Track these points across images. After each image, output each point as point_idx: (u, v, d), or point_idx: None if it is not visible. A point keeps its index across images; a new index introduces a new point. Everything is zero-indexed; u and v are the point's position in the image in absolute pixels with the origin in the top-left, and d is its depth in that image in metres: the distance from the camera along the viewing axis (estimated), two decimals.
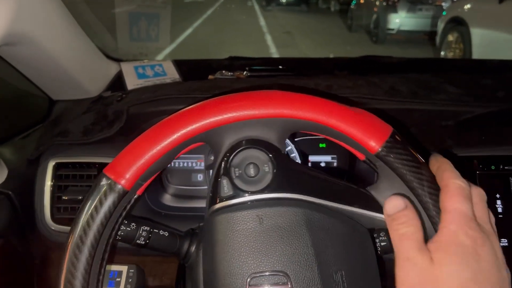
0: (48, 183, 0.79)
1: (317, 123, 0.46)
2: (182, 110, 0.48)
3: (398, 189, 0.46)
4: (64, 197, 0.78)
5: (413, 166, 0.44)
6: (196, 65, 1.21)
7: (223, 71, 1.11)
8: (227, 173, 0.48)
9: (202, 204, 0.91)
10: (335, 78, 0.98)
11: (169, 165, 0.96)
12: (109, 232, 0.48)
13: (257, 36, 8.14)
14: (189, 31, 8.35)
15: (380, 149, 0.45)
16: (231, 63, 1.21)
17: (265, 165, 0.48)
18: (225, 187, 0.47)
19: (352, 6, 9.30)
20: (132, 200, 0.49)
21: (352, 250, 0.47)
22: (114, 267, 0.77)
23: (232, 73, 1.10)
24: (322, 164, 0.98)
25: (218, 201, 0.47)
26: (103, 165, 0.74)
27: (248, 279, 0.44)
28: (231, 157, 0.48)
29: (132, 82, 1.06)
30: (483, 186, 0.77)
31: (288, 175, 0.48)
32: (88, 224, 0.46)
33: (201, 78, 1.07)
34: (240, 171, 0.48)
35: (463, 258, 0.37)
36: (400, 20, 6.97)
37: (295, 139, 0.96)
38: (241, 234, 0.45)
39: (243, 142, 0.48)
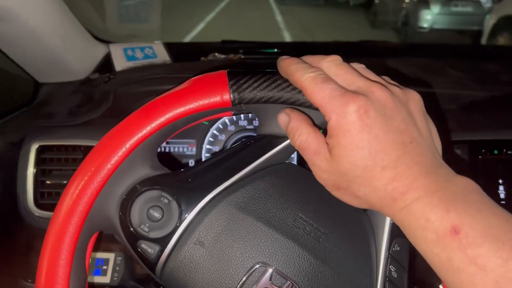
0: (31, 167, 0.75)
1: (165, 127, 0.42)
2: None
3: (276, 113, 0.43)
4: (48, 182, 0.74)
5: (267, 84, 0.41)
6: (187, 48, 1.17)
7: (216, 54, 1.07)
8: (139, 237, 0.43)
9: None
10: None
11: (158, 150, 0.93)
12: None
13: (274, 34, 7.63)
14: (201, 26, 8.02)
15: (231, 97, 0.41)
16: (224, 46, 1.18)
17: (162, 198, 0.43)
18: (148, 249, 0.42)
19: (376, 1, 8.59)
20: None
21: (290, 190, 0.44)
22: (101, 255, 0.73)
23: (225, 56, 1.07)
24: None
25: (154, 264, 0.43)
26: (89, 148, 0.70)
27: None
28: (129, 221, 0.43)
29: (121, 64, 1.02)
30: (485, 170, 0.75)
31: (186, 187, 0.44)
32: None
33: (192, 61, 1.03)
34: (147, 224, 0.43)
35: (353, 141, 0.35)
36: (433, 17, 6.21)
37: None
38: (196, 270, 0.41)
39: (124, 201, 0.43)
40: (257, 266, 0.41)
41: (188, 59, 1.06)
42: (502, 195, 0.74)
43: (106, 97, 0.77)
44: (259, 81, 0.41)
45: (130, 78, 0.81)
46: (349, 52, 1.18)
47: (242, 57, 1.08)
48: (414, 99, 0.39)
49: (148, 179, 0.44)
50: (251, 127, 0.93)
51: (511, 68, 0.91)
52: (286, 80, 0.41)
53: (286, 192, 0.44)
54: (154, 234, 0.42)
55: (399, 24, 7.00)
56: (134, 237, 0.43)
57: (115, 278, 0.73)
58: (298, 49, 1.22)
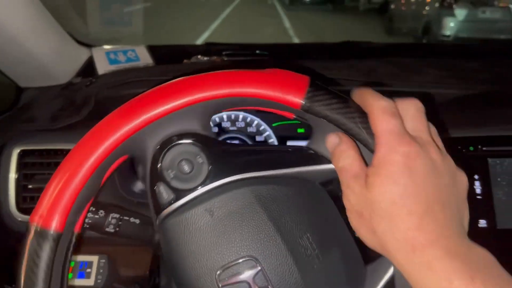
0: (13, 172, 0.75)
1: (233, 98, 0.44)
2: (90, 131, 0.44)
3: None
4: (30, 186, 0.74)
5: (338, 106, 0.42)
6: (170, 50, 1.17)
7: (199, 56, 1.08)
8: (161, 178, 0.44)
9: None
10: (313, 61, 0.96)
11: None
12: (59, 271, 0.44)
13: (284, 41, 7.38)
14: (206, 34, 7.84)
15: (303, 102, 0.42)
16: (208, 48, 1.18)
17: (198, 157, 0.45)
18: (164, 193, 0.44)
19: (392, 6, 8.02)
20: (73, 240, 0.45)
21: (310, 210, 0.45)
22: (84, 258, 0.73)
23: (208, 58, 1.07)
24: None
25: (161, 209, 0.44)
26: None
27: (216, 276, 0.42)
28: (160, 161, 0.45)
29: (103, 67, 1.02)
30: (461, 167, 0.77)
31: (223, 159, 0.45)
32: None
33: (175, 63, 1.03)
34: (174, 172, 0.45)
35: (392, 176, 0.36)
36: (457, 24, 5.70)
37: (273, 125, 0.94)
38: (195, 233, 0.43)
39: (166, 141, 0.45)
40: (249, 259, 0.42)
41: (172, 61, 1.06)
42: (478, 191, 0.76)
43: (87, 101, 0.77)
44: (333, 100, 0.42)
45: (112, 81, 0.81)
46: (333, 52, 1.20)
47: (225, 59, 1.08)
48: (463, 182, 0.42)
49: (195, 134, 0.45)
50: (234, 128, 0.94)
51: (489, 66, 0.93)
52: (357, 111, 0.42)
53: (305, 209, 0.44)
54: (175, 183, 0.44)
55: (419, 31, 6.49)
56: (157, 177, 0.44)
57: (99, 281, 0.74)
58: (282, 51, 1.24)
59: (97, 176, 0.43)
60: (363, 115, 0.41)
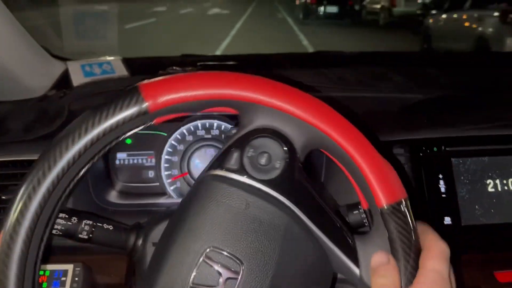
0: None
1: (345, 153, 0.47)
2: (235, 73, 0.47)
3: (383, 246, 0.48)
4: (3, 197, 0.74)
5: (405, 232, 0.46)
6: (146, 62, 1.19)
7: (174, 67, 1.10)
8: (241, 149, 0.47)
9: (151, 200, 0.90)
10: (284, 70, 0.99)
11: (117, 162, 0.94)
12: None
13: None
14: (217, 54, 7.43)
15: (386, 207, 0.46)
16: (183, 59, 1.21)
17: (278, 162, 0.48)
18: (233, 159, 0.47)
19: (430, 21, 7.18)
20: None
21: (310, 281, 0.47)
22: (59, 266, 0.73)
23: (182, 69, 1.09)
24: None
25: (219, 168, 0.47)
26: None
27: (207, 249, 0.44)
28: (253, 138, 0.48)
29: (78, 80, 1.03)
30: (426, 167, 0.80)
31: (292, 182, 0.48)
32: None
33: (151, 74, 1.05)
34: (253, 154, 0.48)
35: None
36: None
37: None
38: (222, 207, 0.45)
39: (271, 130, 0.48)
40: (238, 261, 0.44)
41: (147, 73, 1.08)
42: (442, 189, 0.79)
43: (61, 112, 0.78)
44: (406, 225, 0.46)
45: (85, 91, 0.82)
46: (304, 62, 1.24)
47: (200, 69, 1.11)
48: None
49: (293, 147, 0.49)
50: (209, 136, 0.96)
51: (448, 72, 0.98)
52: (415, 246, 0.47)
53: (308, 274, 0.48)
54: (246, 161, 0.47)
55: (469, 48, 5.70)
56: (239, 144, 0.48)
57: None
58: (255, 62, 1.27)
59: (204, 104, 0.46)
60: (417, 251, 0.46)
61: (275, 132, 0.48)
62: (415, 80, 0.96)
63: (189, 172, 0.94)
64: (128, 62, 1.13)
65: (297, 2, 14.60)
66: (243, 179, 0.47)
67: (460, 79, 0.98)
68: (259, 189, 0.47)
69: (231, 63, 1.15)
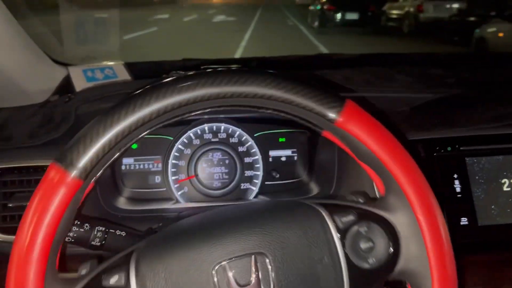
0: None
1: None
2: None
3: None
4: (10, 205, 0.72)
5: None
6: (148, 67, 1.17)
7: (177, 71, 1.08)
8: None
9: (159, 206, 0.88)
10: (286, 73, 0.98)
11: (123, 167, 0.92)
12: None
13: None
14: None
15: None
16: (185, 64, 1.19)
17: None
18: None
19: (489, 30, 6.31)
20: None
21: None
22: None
23: (185, 73, 1.08)
24: (283, 159, 0.97)
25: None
26: None
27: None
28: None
29: (81, 86, 1.01)
30: (440, 167, 0.79)
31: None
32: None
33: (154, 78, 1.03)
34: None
35: None
36: None
37: (255, 135, 0.95)
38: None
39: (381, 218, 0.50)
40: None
41: (149, 77, 1.06)
42: (457, 189, 0.78)
43: (67, 117, 0.76)
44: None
45: (91, 96, 0.80)
46: (308, 65, 1.23)
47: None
48: None
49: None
50: (216, 139, 0.94)
51: (454, 72, 0.97)
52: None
53: None
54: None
55: None
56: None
57: None
58: (258, 64, 1.26)
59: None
60: None
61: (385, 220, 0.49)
62: (422, 80, 0.95)
63: (196, 176, 0.93)
64: (130, 66, 1.11)
65: (310, 8, 13.31)
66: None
67: (467, 78, 0.98)
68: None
69: (234, 66, 1.13)
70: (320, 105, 0.46)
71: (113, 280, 0.44)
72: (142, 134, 0.46)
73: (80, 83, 1.03)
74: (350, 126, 0.46)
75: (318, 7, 12.06)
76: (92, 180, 0.45)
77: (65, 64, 1.07)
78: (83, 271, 0.48)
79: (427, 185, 0.48)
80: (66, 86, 1.01)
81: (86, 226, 0.58)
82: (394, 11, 11.76)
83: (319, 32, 11.08)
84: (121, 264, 0.46)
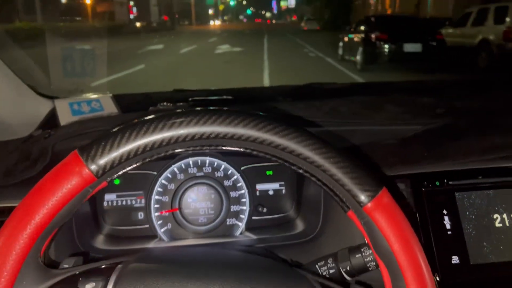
0: None
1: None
2: None
3: None
4: None
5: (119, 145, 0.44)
6: (137, 99, 1.16)
7: (165, 103, 1.07)
8: None
9: (141, 245, 0.85)
10: (277, 104, 0.96)
11: (105, 204, 0.90)
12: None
13: None
14: None
15: (93, 170, 0.43)
16: (174, 95, 1.18)
17: None
18: None
19: None
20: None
21: None
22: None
23: (174, 105, 1.07)
24: (270, 192, 0.95)
25: None
26: None
27: None
28: None
29: (66, 119, 1.00)
30: (429, 203, 0.76)
31: None
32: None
33: (141, 111, 1.02)
34: None
35: None
36: None
37: (241, 168, 0.92)
38: None
39: None
40: None
41: (137, 110, 1.05)
42: (447, 226, 0.75)
43: (44, 154, 0.74)
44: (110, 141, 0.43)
45: (70, 132, 0.79)
46: (299, 94, 1.21)
47: (192, 104, 1.08)
48: None
49: None
50: (201, 173, 0.92)
51: (445, 100, 0.96)
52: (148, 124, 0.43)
53: None
54: None
55: None
56: None
57: None
58: (247, 95, 1.25)
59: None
60: None
61: None
62: (410, 110, 0.94)
63: (180, 209, 0.90)
64: (118, 98, 1.10)
65: (345, 39, 10.20)
66: None
67: (457, 107, 0.96)
68: None
69: (224, 97, 1.12)
70: (355, 184, 0.44)
71: (89, 286, 0.44)
72: (168, 152, 0.46)
73: (65, 117, 1.02)
74: (377, 216, 0.44)
75: (351, 35, 9.75)
76: (106, 180, 0.45)
77: (51, 97, 1.07)
78: (65, 265, 0.49)
79: None
80: (51, 119, 1.00)
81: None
82: (460, 39, 9.03)
83: (362, 69, 8.69)
84: (102, 273, 0.45)
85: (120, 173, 0.44)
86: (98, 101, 1.09)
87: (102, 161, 0.42)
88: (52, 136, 0.82)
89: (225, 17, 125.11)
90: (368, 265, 0.60)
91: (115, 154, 0.42)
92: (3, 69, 0.87)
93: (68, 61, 1.10)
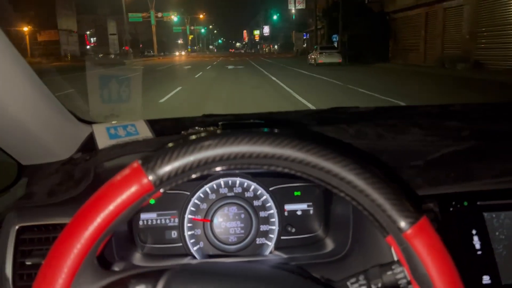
0: (11, 248, 0.75)
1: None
2: None
3: None
4: (27, 263, 0.73)
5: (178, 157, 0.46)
6: (169, 124, 1.22)
7: (196, 127, 1.12)
8: None
9: (174, 262, 0.88)
10: (304, 127, 1.00)
11: (141, 223, 0.94)
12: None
13: None
14: None
15: (151, 179, 0.46)
16: (205, 120, 1.23)
17: None
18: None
19: None
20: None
21: None
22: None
23: (205, 128, 1.11)
24: (299, 213, 0.97)
25: None
26: None
27: None
28: None
29: (103, 143, 1.05)
30: (458, 222, 0.77)
31: None
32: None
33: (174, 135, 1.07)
34: None
35: None
36: None
37: (270, 189, 0.95)
38: None
39: None
40: None
41: (170, 134, 1.10)
42: (477, 246, 0.75)
43: (86, 174, 0.79)
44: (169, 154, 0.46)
45: (111, 154, 0.84)
46: (323, 119, 1.25)
47: (222, 128, 1.12)
48: None
49: None
50: (232, 194, 0.95)
51: (470, 123, 0.97)
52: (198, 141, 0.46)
53: None
54: None
55: None
56: None
57: None
58: (276, 119, 1.28)
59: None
60: None
61: None
62: (435, 132, 0.95)
63: (211, 222, 0.93)
64: (151, 123, 1.16)
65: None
66: None
67: (484, 130, 0.97)
68: None
69: (255, 121, 1.16)
70: (397, 210, 0.46)
71: None
72: (221, 168, 0.48)
73: (103, 140, 1.08)
74: (416, 243, 0.46)
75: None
76: (161, 190, 0.48)
77: (89, 122, 1.13)
78: (117, 268, 0.52)
79: None
80: (90, 143, 1.06)
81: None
82: None
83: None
84: (152, 277, 0.48)
85: (173, 184, 0.47)
86: (134, 126, 1.15)
87: (161, 171, 0.45)
88: (93, 158, 0.87)
89: (195, 47, 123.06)
90: (399, 283, 0.61)
91: (174, 166, 0.45)
92: (47, 96, 0.93)
93: (105, 88, 1.16)
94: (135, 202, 0.46)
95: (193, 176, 0.48)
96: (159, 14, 54.48)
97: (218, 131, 0.48)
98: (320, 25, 34.10)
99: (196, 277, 0.47)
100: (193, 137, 0.47)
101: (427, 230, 0.46)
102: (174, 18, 62.78)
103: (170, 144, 0.47)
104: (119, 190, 0.45)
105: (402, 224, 0.46)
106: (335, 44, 25.15)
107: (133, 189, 0.45)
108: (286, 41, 64.64)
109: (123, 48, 44.86)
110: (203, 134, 0.48)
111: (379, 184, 0.46)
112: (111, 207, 0.45)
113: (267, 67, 21.21)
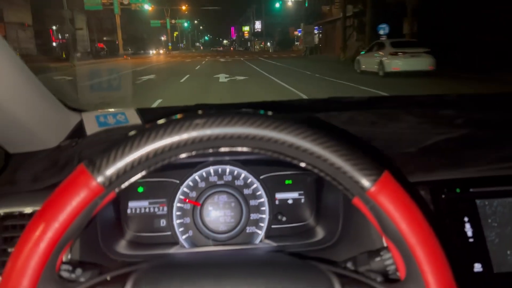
0: None
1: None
2: None
3: None
4: (9, 250, 0.72)
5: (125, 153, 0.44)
6: (161, 112, 1.20)
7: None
8: None
9: (162, 251, 0.86)
10: (297, 115, 0.98)
11: (129, 211, 0.92)
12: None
13: None
14: None
15: (100, 181, 0.44)
16: (196, 108, 1.21)
17: None
18: None
19: None
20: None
21: None
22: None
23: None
24: (290, 201, 0.96)
25: None
26: None
27: None
28: None
29: (92, 130, 1.04)
30: (450, 210, 0.75)
31: None
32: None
33: None
34: None
35: None
36: None
37: (260, 177, 0.94)
38: None
39: None
40: None
41: None
42: (469, 233, 0.74)
43: (70, 160, 0.78)
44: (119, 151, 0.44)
45: (96, 139, 0.82)
46: (318, 107, 1.23)
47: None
48: None
49: None
50: (222, 182, 0.94)
51: (464, 112, 0.95)
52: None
53: None
54: None
55: None
56: None
57: None
58: (270, 108, 1.27)
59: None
60: None
61: None
62: (428, 120, 0.94)
63: (201, 206, 0.91)
64: (142, 112, 1.14)
65: None
66: None
67: (477, 119, 0.95)
68: None
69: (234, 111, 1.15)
70: (357, 170, 0.45)
71: None
72: (172, 158, 0.46)
73: (91, 128, 1.06)
74: (382, 199, 0.45)
75: None
76: (114, 190, 0.46)
77: (79, 111, 1.11)
78: (82, 278, 0.49)
79: (453, 280, 0.45)
80: (79, 131, 1.04)
81: (78, 271, 0.57)
82: None
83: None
84: (118, 281, 0.46)
85: (127, 183, 0.45)
86: (123, 114, 1.13)
87: (109, 171, 0.43)
88: (79, 144, 0.85)
89: (181, 45, 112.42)
90: (387, 269, 0.60)
91: (121, 164, 0.43)
92: (35, 84, 0.92)
93: (96, 78, 1.14)
94: (87, 207, 0.43)
95: (147, 170, 0.45)
96: (125, 1, 42.08)
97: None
98: (350, 11, 22.72)
99: (165, 276, 0.45)
100: (133, 132, 0.45)
101: (391, 185, 0.45)
102: (146, 6, 48.76)
103: (115, 141, 0.45)
104: (67, 198, 0.43)
105: (365, 182, 0.45)
106: (384, 38, 15.49)
107: (82, 194, 0.43)
108: (284, 37, 59.82)
109: (96, 45, 39.87)
110: (147, 126, 0.45)
111: (335, 147, 0.45)
112: (61, 217, 0.42)
113: (289, 78, 12.57)
